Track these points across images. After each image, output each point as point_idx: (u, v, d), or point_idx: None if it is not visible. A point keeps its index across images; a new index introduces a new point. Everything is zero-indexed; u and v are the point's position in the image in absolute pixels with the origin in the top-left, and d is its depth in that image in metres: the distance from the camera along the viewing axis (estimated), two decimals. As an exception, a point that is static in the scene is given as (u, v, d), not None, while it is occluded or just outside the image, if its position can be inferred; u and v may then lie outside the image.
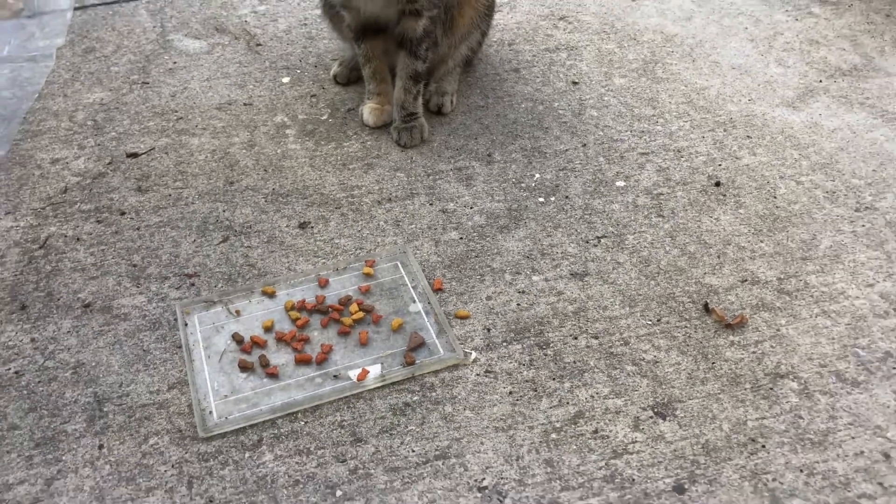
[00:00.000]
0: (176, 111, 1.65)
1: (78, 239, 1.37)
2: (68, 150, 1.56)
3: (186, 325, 1.20)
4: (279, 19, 1.94)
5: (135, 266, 1.31)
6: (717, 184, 1.42)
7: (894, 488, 0.97)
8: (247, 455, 1.04)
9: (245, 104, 1.66)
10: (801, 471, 0.99)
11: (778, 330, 1.17)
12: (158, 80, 1.75)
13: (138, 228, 1.38)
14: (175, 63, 1.80)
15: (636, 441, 1.04)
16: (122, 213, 1.41)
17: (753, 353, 1.14)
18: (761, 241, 1.30)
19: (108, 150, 1.56)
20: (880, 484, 0.98)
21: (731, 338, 1.16)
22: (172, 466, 1.03)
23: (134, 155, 1.54)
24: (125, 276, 1.29)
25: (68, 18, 1.97)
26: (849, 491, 0.97)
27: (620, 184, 1.43)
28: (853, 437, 1.03)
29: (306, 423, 1.07)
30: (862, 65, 1.70)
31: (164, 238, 1.36)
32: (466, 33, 1.56)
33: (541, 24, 1.88)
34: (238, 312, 1.22)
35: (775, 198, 1.38)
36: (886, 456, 1.00)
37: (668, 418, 1.06)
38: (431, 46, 1.47)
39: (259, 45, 1.85)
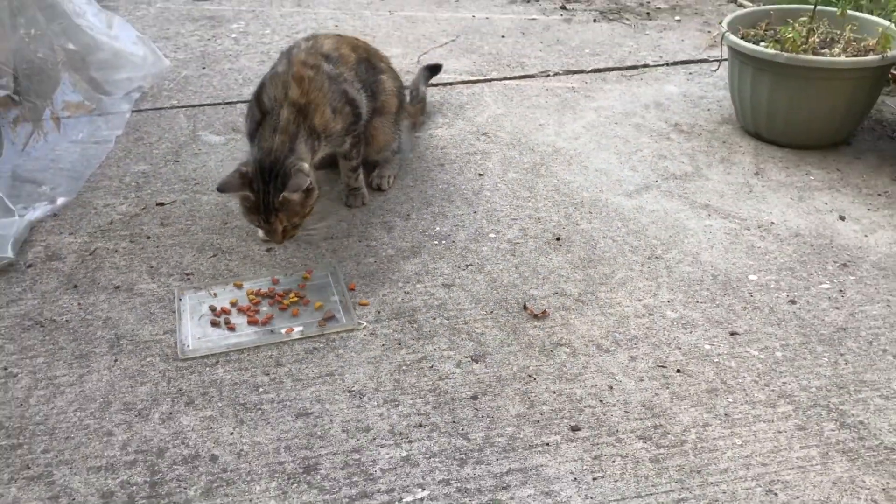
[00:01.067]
0: (195, 179, 2.33)
1: (116, 251, 2.01)
2: (115, 199, 2.24)
3: (180, 300, 1.82)
4: (279, 125, 2.65)
5: (152, 267, 1.95)
6: (558, 238, 2.04)
7: (610, 403, 1.53)
8: (206, 368, 1.63)
9: (244, 177, 2.33)
10: (554, 392, 1.56)
11: (567, 321, 1.75)
12: (186, 159, 2.44)
13: (157, 247, 2.03)
14: (200, 150, 2.50)
15: (455, 373, 1.61)
16: (148, 238, 2.06)
17: (547, 332, 1.72)
18: (576, 273, 1.91)
19: (143, 201, 2.23)
20: (601, 401, 1.54)
21: (535, 323, 1.75)
22: (159, 371, 1.62)
23: (161, 204, 2.21)
24: (145, 273, 1.93)
25: (126, 117, 2.70)
26: (579, 403, 1.53)
27: (492, 235, 2.06)
28: (593, 377, 1.59)
29: (247, 355, 1.67)
30: (691, 172, 2.34)
31: (174, 253, 2.00)
32: (384, 144, 2.21)
33: (467, 137, 2.56)
34: (215, 294, 1.84)
35: (595, 249, 2.00)
36: (610, 387, 1.57)
37: (479, 362, 1.64)
38: (358, 153, 2.10)
39: (261, 141, 2.55)
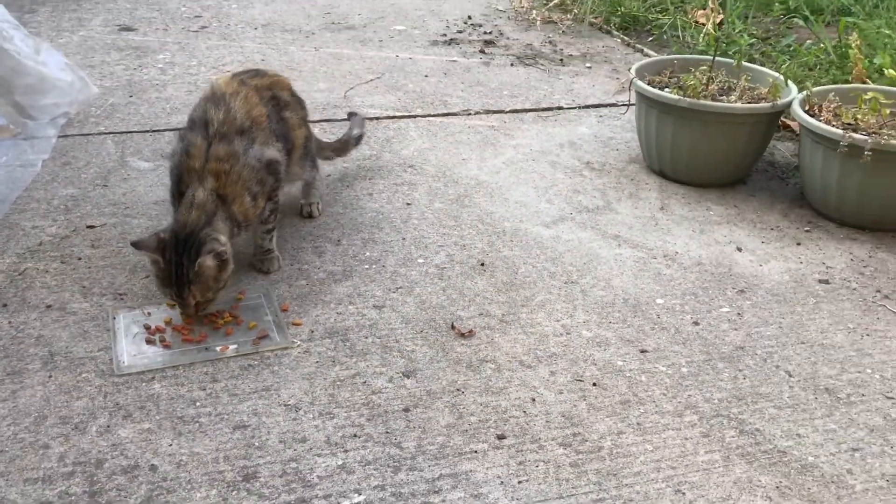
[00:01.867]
0: (125, 203, 2.36)
1: (47, 271, 2.02)
2: (44, 221, 2.24)
3: (114, 318, 1.85)
4: (208, 153, 2.70)
5: (84, 287, 1.97)
6: (482, 264, 2.15)
7: (533, 413, 1.64)
8: (143, 384, 1.67)
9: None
10: (481, 404, 1.66)
11: (492, 339, 1.86)
12: (115, 184, 2.47)
13: (89, 268, 2.05)
14: (129, 175, 2.53)
15: (387, 388, 1.70)
16: (79, 259, 2.08)
17: (473, 349, 1.82)
18: (499, 295, 2.03)
19: (73, 223, 2.24)
20: (524, 412, 1.64)
21: (462, 341, 1.85)
22: (95, 387, 1.65)
23: (91, 227, 2.23)
24: (77, 293, 1.95)
25: (53, 142, 2.70)
26: (504, 414, 1.63)
27: (420, 261, 2.16)
28: (517, 390, 1.70)
29: (183, 371, 1.71)
30: (602, 206, 2.51)
31: (106, 274, 2.02)
32: (294, 178, 2.22)
33: (394, 168, 2.67)
34: (149, 314, 1.87)
35: (516, 274, 2.12)
36: (533, 399, 1.68)
37: (410, 378, 1.73)
38: (275, 217, 2.04)
39: (191, 168, 2.59)
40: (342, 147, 2.57)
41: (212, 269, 1.78)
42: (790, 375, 1.79)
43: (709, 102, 2.49)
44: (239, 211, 1.90)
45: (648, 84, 2.63)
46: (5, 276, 1.99)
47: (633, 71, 2.70)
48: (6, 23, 2.74)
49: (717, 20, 2.71)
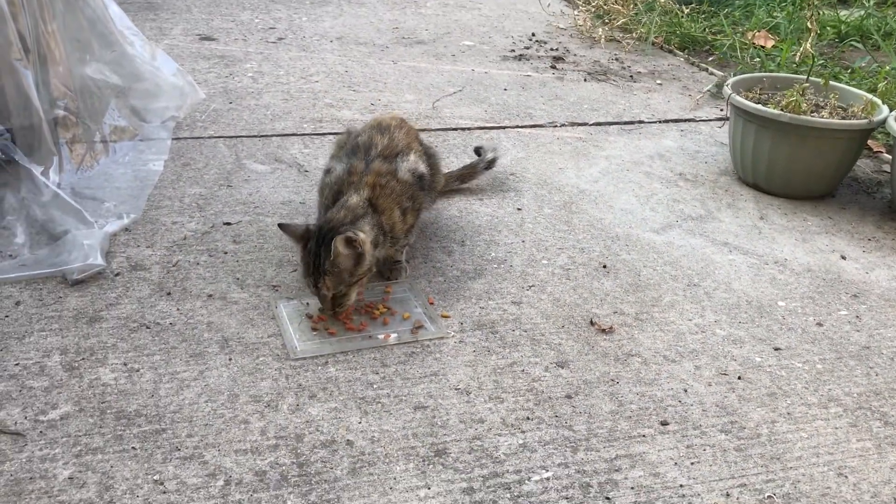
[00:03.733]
0: (254, 203, 2.46)
1: (198, 263, 2.13)
2: (182, 217, 2.35)
3: (277, 307, 1.95)
4: (319, 158, 2.81)
5: (238, 279, 2.07)
6: (604, 266, 2.26)
7: (688, 403, 1.74)
8: (319, 367, 1.77)
9: (300, 203, 2.48)
10: (637, 394, 1.76)
11: (632, 336, 1.97)
12: (238, 185, 2.57)
13: (237, 262, 2.15)
14: (249, 177, 2.63)
15: (545, 376, 1.80)
16: (225, 253, 2.18)
17: (616, 344, 1.93)
18: (628, 296, 2.13)
19: (210, 220, 2.35)
20: (679, 401, 1.75)
21: (604, 337, 1.95)
22: (275, 369, 1.75)
23: (228, 223, 2.33)
24: (233, 283, 2.05)
25: (168, 144, 2.81)
26: (661, 403, 1.73)
27: (545, 262, 2.26)
28: (667, 382, 1.80)
29: (353, 357, 1.81)
30: (704, 215, 2.62)
31: (255, 267, 2.13)
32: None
33: (498, 176, 2.77)
34: (307, 304, 1.97)
35: (639, 276, 2.23)
36: (685, 390, 1.78)
37: (564, 368, 1.83)
38: (412, 233, 2.12)
39: (306, 171, 2.70)
40: (469, 174, 2.67)
41: (346, 257, 1.84)
42: (918, 373, 1.90)
43: (809, 118, 2.61)
44: (388, 222, 2.00)
45: (743, 99, 2.75)
46: (161, 268, 2.09)
47: (729, 86, 2.82)
48: (128, 29, 2.86)
49: (811, 38, 2.82)
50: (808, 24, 2.74)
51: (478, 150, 2.73)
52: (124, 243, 2.19)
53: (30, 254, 2.07)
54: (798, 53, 2.99)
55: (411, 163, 2.09)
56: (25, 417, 1.57)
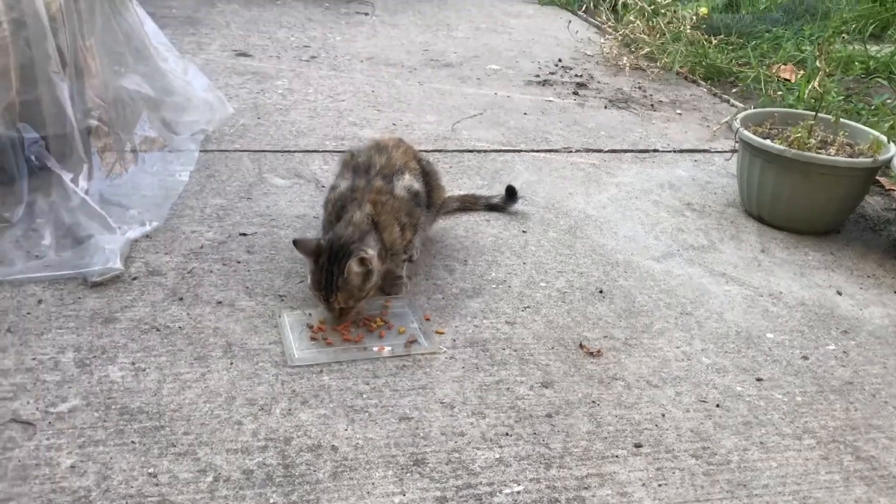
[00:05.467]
0: (270, 215, 2.58)
1: (211, 271, 2.25)
2: (201, 227, 2.47)
3: (280, 317, 2.06)
4: (336, 174, 2.92)
5: (248, 288, 2.18)
6: (601, 291, 2.33)
7: (664, 427, 1.80)
8: (313, 375, 1.87)
9: (314, 217, 2.59)
10: (616, 416, 1.83)
11: (619, 360, 2.04)
12: (258, 197, 2.70)
13: (249, 271, 2.26)
14: (269, 190, 2.76)
15: (529, 395, 1.88)
16: (238, 262, 2.30)
17: (602, 367, 2.00)
18: (620, 321, 2.20)
19: (227, 230, 2.47)
20: (656, 425, 1.81)
21: (591, 360, 2.02)
22: (272, 375, 1.85)
23: (244, 234, 2.45)
24: (242, 292, 2.16)
25: (196, 156, 2.95)
26: (638, 426, 1.80)
27: (542, 284, 2.34)
28: (647, 406, 1.87)
29: (347, 367, 1.91)
30: (707, 245, 2.68)
31: (265, 277, 2.24)
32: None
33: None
34: (310, 314, 2.08)
35: (634, 302, 2.30)
36: (662, 415, 1.85)
37: (548, 388, 1.91)
38: (411, 247, 2.24)
39: (323, 186, 2.81)
40: (470, 204, 2.76)
41: (358, 275, 1.98)
42: (898, 411, 1.94)
43: (814, 154, 2.66)
44: (388, 239, 2.12)
45: (752, 133, 2.80)
46: (177, 274, 2.21)
47: (738, 120, 2.88)
48: (162, 45, 3.01)
49: (820, 76, 2.88)
50: (818, 63, 2.79)
51: (511, 192, 2.76)
52: (144, 249, 2.32)
53: (55, 255, 2.21)
54: (805, 91, 3.04)
55: (406, 181, 2.20)
56: (37, 409, 1.69)
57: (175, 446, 1.62)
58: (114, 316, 2.01)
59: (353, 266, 1.96)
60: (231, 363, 1.88)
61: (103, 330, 1.96)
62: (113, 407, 1.71)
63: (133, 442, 1.62)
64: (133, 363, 1.85)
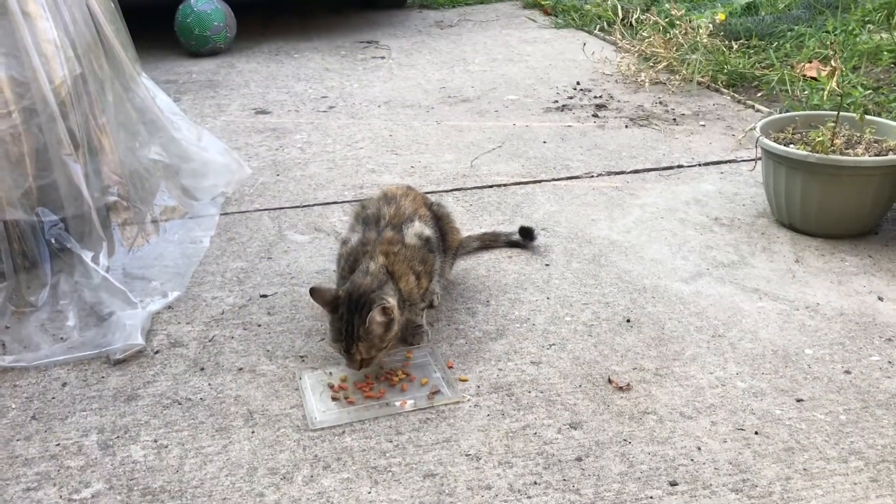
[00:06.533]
0: (290, 273, 2.58)
1: (233, 337, 2.24)
2: (222, 292, 2.48)
3: (301, 379, 2.04)
4: (356, 224, 2.91)
5: (268, 351, 2.17)
6: (628, 320, 2.27)
7: (700, 461, 1.72)
8: (336, 437, 1.84)
9: (334, 271, 2.58)
10: (649, 454, 1.76)
11: (650, 392, 1.97)
12: (278, 256, 2.70)
13: (269, 333, 2.26)
14: (289, 248, 2.76)
15: (557, 438, 1.82)
16: (259, 325, 2.30)
17: (633, 402, 1.93)
18: (650, 350, 2.13)
19: (247, 293, 2.47)
20: (692, 459, 1.74)
21: (621, 395, 1.96)
22: (294, 440, 1.83)
23: (264, 296, 2.45)
24: (263, 356, 2.15)
25: (216, 220, 2.97)
26: (672, 462, 1.72)
27: (568, 319, 2.29)
28: (681, 439, 1.80)
29: (369, 425, 1.88)
30: (737, 261, 2.59)
31: (286, 339, 2.23)
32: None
33: (529, 232, 2.82)
34: (331, 373, 2.06)
35: (663, 329, 2.22)
36: (698, 448, 1.77)
37: (577, 429, 1.85)
38: (430, 294, 2.22)
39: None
40: (490, 242, 2.73)
41: (380, 324, 1.94)
42: (951, 421, 1.83)
43: (837, 157, 2.57)
44: (405, 289, 2.08)
45: (774, 141, 2.72)
46: (198, 343, 2.22)
47: (758, 129, 2.80)
48: (175, 115, 3.06)
49: (836, 76, 2.78)
50: (833, 62, 2.70)
51: (526, 232, 2.70)
52: (166, 321, 2.33)
53: (79, 336, 2.23)
54: (825, 92, 2.94)
55: (416, 228, 2.17)
56: (60, 497, 1.69)
57: (197, 525, 1.61)
58: (136, 393, 2.02)
59: (376, 316, 1.93)
60: (253, 432, 1.86)
61: (126, 408, 1.96)
62: (135, 488, 1.70)
63: (155, 524, 1.61)
64: (155, 440, 1.85)
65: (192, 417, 1.92)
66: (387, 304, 1.95)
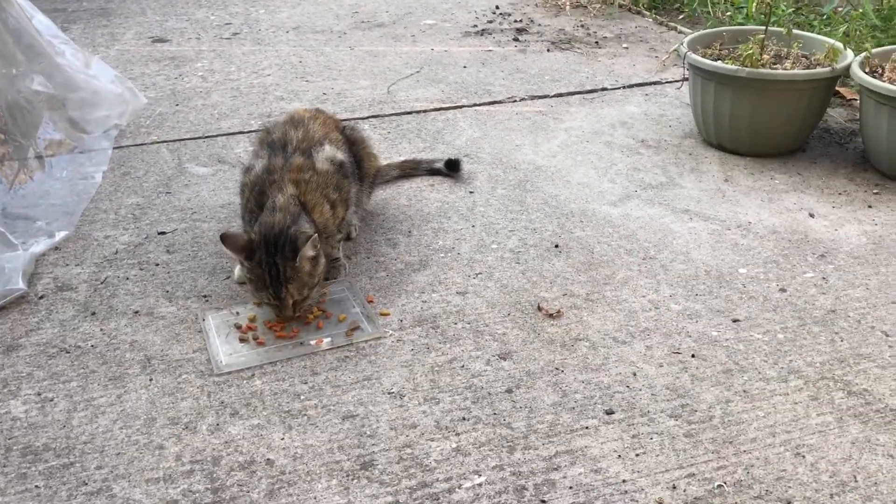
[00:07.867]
0: (192, 209, 2.36)
1: (127, 278, 2.03)
2: (115, 231, 2.25)
3: (204, 320, 1.85)
4: (264, 155, 2.70)
5: (168, 292, 1.97)
6: (556, 245, 2.15)
7: (637, 388, 1.63)
8: (244, 381, 1.67)
9: (239, 205, 2.37)
10: (583, 382, 1.65)
11: (581, 318, 1.86)
12: (178, 190, 2.47)
13: (168, 273, 2.05)
14: (189, 181, 2.53)
15: (486, 371, 1.69)
16: (157, 265, 2.09)
17: (564, 329, 1.82)
18: (579, 275, 2.02)
19: (144, 231, 2.25)
20: (627, 386, 1.64)
21: (552, 322, 1.84)
22: (197, 387, 1.65)
23: (163, 233, 2.24)
24: (161, 297, 1.95)
25: (109, 154, 2.72)
26: (608, 389, 1.62)
27: (494, 246, 2.15)
28: (616, 366, 1.69)
29: (282, 367, 1.71)
30: (666, 182, 2.49)
31: (187, 278, 2.03)
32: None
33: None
34: (237, 313, 1.88)
35: (592, 253, 2.11)
36: (634, 374, 1.67)
37: (507, 360, 1.72)
38: (346, 225, 2.03)
39: (250, 170, 2.59)
40: (411, 170, 2.55)
41: (309, 260, 1.77)
42: (887, 335, 1.78)
43: (769, 71, 2.47)
44: (319, 220, 1.90)
45: (702, 57, 2.61)
46: (89, 286, 2.00)
47: (684, 44, 2.68)
48: (56, 38, 2.76)
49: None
50: (761, -28, 2.59)
51: (452, 164, 2.53)
52: (53, 263, 2.10)
53: (-50, 283, 1.99)
54: (752, 7, 2.84)
55: (328, 152, 1.97)
56: (-74, 461, 1.48)
57: (87, 484, 1.43)
58: (17, 343, 1.80)
59: (308, 251, 1.75)
60: (151, 379, 1.68)
61: (5, 360, 1.75)
62: (14, 448, 1.51)
63: (37, 486, 1.42)
64: (39, 393, 1.64)
65: (81, 367, 1.72)
66: (313, 236, 1.76)
